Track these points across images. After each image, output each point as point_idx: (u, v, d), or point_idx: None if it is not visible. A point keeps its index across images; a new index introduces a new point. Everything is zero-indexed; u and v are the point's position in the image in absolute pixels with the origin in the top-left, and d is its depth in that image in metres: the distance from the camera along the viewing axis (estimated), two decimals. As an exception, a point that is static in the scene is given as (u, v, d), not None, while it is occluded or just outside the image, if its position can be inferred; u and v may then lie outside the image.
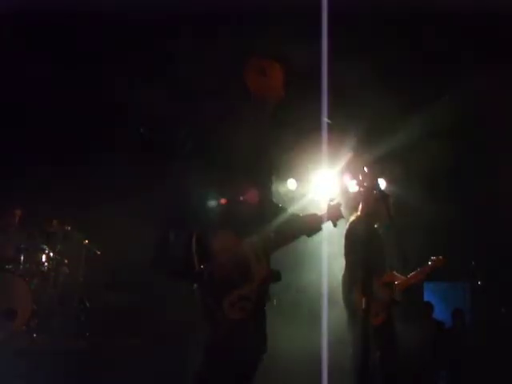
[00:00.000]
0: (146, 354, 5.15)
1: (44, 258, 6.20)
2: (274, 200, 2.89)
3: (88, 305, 6.43)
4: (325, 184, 7.16)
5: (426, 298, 9.14)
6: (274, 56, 2.93)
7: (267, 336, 2.69)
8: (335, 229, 3.17)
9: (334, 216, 3.07)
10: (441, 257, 4.91)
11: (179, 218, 2.60)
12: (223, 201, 2.57)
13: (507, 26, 5.53)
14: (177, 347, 5.30)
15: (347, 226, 4.57)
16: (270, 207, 2.80)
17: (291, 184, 7.90)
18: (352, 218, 4.63)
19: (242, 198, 2.63)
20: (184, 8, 5.17)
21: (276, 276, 2.67)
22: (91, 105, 6.44)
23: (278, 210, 2.85)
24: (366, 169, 3.04)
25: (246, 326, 2.50)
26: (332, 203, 3.08)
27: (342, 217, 3.14)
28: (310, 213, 2.99)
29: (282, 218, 2.79)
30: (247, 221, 2.60)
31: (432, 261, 4.87)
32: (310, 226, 2.95)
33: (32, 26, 5.76)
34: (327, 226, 3.06)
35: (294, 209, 3.03)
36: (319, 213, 3.00)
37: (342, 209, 3.13)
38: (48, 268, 6.20)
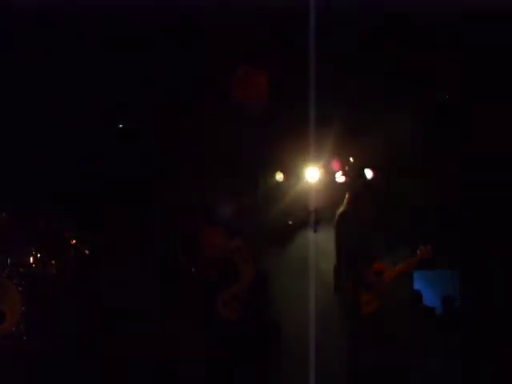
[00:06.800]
0: (138, 355, 5.11)
1: (31, 259, 6.17)
2: (262, 200, 2.87)
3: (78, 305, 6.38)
4: (312, 176, 7.15)
5: (415, 287, 9.19)
6: (259, 65, 2.90)
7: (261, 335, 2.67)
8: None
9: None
10: (428, 247, 4.94)
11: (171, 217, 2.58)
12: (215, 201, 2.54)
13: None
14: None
15: (336, 217, 4.59)
16: (257, 208, 2.78)
17: (279, 177, 7.87)
18: (340, 209, 4.65)
19: (232, 199, 2.62)
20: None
21: (263, 276, 2.65)
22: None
23: (265, 210, 2.83)
24: (351, 159, 3.04)
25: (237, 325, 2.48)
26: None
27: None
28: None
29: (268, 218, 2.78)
30: (235, 221, 2.58)
31: (420, 251, 4.89)
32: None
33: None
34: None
35: (282, 202, 3.02)
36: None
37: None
38: (35, 269, 6.16)
